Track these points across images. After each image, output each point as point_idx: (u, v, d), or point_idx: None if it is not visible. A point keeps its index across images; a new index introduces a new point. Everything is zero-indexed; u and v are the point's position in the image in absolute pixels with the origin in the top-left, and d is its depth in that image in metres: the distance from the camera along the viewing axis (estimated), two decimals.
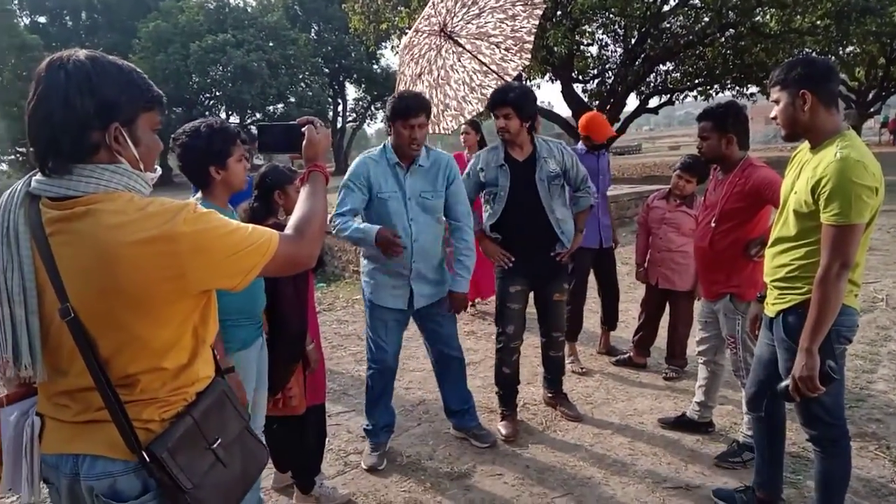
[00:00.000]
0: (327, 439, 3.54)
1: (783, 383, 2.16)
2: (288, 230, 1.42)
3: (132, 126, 1.23)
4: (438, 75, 4.74)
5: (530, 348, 4.90)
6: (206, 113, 35.32)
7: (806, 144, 2.22)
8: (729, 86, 18.55)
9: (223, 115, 37.35)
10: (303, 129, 1.58)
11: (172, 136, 2.24)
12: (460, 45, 4.64)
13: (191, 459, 1.28)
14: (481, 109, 4.88)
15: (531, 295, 3.59)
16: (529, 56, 4.96)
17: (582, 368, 4.36)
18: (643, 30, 16.46)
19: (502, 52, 4.79)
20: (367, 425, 3.34)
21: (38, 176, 1.22)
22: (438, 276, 3.24)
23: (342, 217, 3.00)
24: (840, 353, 2.18)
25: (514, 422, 3.58)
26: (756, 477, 2.68)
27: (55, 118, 1.17)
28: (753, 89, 19.14)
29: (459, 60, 4.73)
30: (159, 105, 1.29)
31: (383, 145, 3.14)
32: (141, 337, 1.23)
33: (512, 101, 3.25)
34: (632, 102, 20.31)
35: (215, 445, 1.33)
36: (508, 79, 4.56)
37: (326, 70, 39.37)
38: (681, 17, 16.08)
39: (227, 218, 1.31)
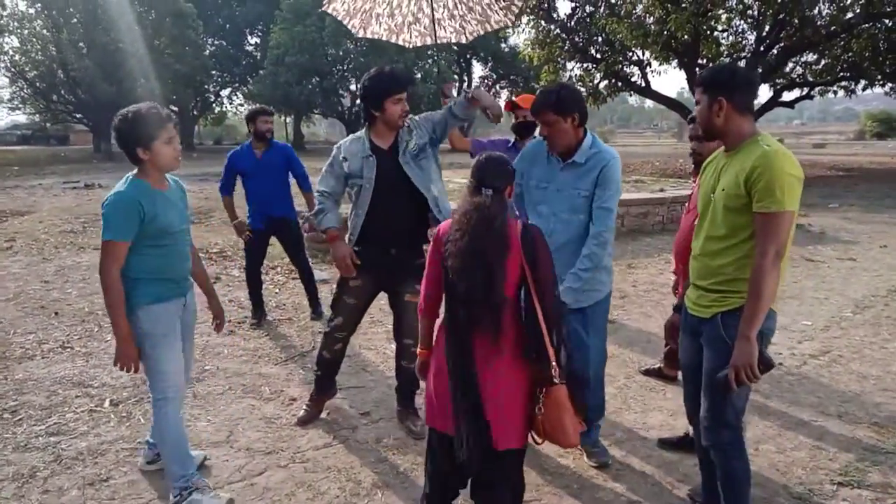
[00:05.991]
0: None
1: (722, 373, 2.16)
2: None
3: None
4: None
5: None
6: (337, 85, 36.70)
7: (719, 151, 2.35)
8: (879, 81, 16.76)
9: (353, 87, 38.71)
10: None
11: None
12: None
13: None
14: (509, 24, 4.58)
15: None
16: (514, 18, 4.70)
17: None
18: (780, 17, 15.17)
19: None
20: None
21: None
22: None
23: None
24: None
25: (315, 408, 3.56)
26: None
27: None
28: None
29: None
30: None
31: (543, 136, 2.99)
32: None
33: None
34: (764, 95, 18.90)
35: None
36: (489, 28, 4.44)
37: (455, 46, 39.62)
38: (825, 5, 14.62)
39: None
